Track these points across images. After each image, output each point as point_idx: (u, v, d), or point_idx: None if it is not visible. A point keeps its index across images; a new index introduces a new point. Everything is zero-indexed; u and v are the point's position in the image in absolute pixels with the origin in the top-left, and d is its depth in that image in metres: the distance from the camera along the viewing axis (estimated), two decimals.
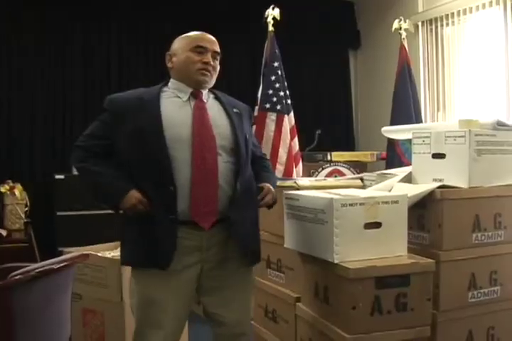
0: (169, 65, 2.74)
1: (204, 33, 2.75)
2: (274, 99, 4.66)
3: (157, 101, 2.60)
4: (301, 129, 5.14)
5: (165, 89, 2.70)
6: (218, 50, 2.73)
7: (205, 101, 2.68)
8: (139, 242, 2.55)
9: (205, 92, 2.71)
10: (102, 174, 2.58)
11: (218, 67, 2.74)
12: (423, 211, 2.96)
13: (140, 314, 2.62)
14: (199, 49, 2.66)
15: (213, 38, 2.75)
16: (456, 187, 2.93)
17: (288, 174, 4.59)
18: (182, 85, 2.67)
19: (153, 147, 2.50)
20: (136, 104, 2.57)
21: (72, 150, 2.68)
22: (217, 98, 2.77)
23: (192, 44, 2.67)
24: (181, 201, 2.52)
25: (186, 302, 2.65)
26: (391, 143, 5.55)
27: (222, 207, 2.58)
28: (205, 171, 2.53)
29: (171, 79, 2.73)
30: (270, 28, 4.88)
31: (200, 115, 2.61)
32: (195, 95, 2.66)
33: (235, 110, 2.74)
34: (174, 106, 2.62)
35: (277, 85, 4.68)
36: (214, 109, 2.69)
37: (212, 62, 2.67)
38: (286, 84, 4.81)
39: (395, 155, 5.52)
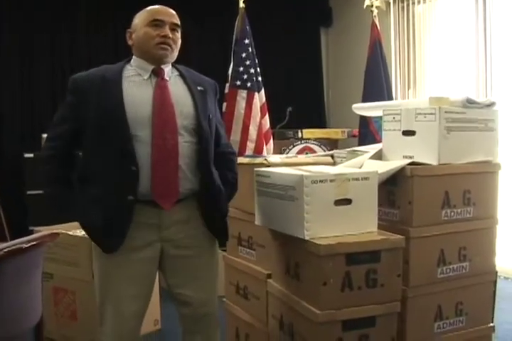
0: (130, 42, 2.66)
1: (161, 6, 2.65)
2: (245, 76, 4.64)
3: (119, 80, 2.54)
4: (272, 107, 5.13)
5: (127, 66, 2.62)
6: (177, 21, 2.63)
7: (167, 78, 2.61)
8: (94, 222, 2.53)
9: (167, 69, 2.64)
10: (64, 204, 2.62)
11: (179, 40, 2.65)
12: (393, 188, 2.97)
13: (100, 290, 2.61)
14: (156, 22, 2.56)
15: (171, 10, 2.65)
16: (426, 164, 2.94)
17: (258, 151, 4.58)
18: (143, 62, 2.60)
19: (115, 127, 2.45)
20: (99, 83, 2.51)
21: (42, 159, 2.64)
22: (181, 75, 2.69)
23: (148, 18, 2.58)
24: (142, 181, 2.49)
25: (146, 280, 2.62)
26: (364, 120, 5.58)
27: (183, 187, 2.56)
28: (166, 151, 2.49)
29: (133, 57, 2.66)
30: (241, 4, 4.85)
31: (161, 94, 2.55)
32: (157, 73, 2.59)
33: (199, 88, 2.67)
34: (135, 84, 2.55)
35: (248, 62, 4.66)
36: (177, 87, 2.63)
37: (171, 35, 2.57)
38: (257, 61, 4.79)
39: (369, 132, 5.55)
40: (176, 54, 2.64)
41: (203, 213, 2.64)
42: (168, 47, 2.57)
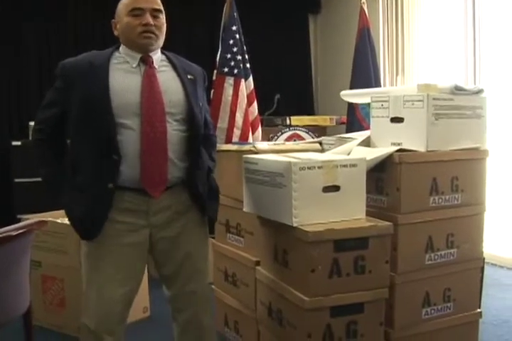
0: (115, 32, 2.62)
1: None
2: (232, 63, 4.62)
3: (106, 67, 2.51)
4: (261, 94, 5.12)
5: (116, 53, 2.59)
6: (158, 6, 2.57)
7: (155, 67, 2.58)
8: (75, 208, 2.53)
9: (156, 57, 2.60)
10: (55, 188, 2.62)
11: (164, 25, 2.60)
12: (381, 174, 2.97)
13: (86, 274, 2.60)
14: (136, 11, 2.51)
15: None
16: (414, 151, 2.94)
17: (244, 138, 4.57)
18: (130, 51, 2.57)
19: (98, 113, 2.43)
20: (86, 69, 2.49)
21: (31, 143, 2.65)
22: (170, 62, 2.66)
23: (128, 8, 2.53)
24: (130, 169, 2.47)
25: (133, 265, 2.60)
26: (351, 107, 5.57)
27: (171, 174, 2.55)
28: (155, 140, 2.47)
29: (121, 45, 2.62)
30: None
31: (149, 82, 2.52)
32: (145, 61, 2.56)
33: (189, 76, 2.64)
34: (123, 72, 2.53)
35: (235, 49, 4.64)
36: (166, 75, 2.60)
37: (152, 22, 2.52)
38: (245, 48, 4.77)
39: (355, 119, 5.55)
40: (162, 40, 2.61)
41: (192, 199, 2.63)
42: (152, 35, 2.53)
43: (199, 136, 2.61)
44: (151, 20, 2.51)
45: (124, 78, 2.51)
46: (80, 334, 2.63)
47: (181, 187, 2.60)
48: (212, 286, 3.61)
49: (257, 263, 3.16)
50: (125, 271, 2.56)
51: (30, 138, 2.73)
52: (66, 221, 3.74)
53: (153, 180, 2.50)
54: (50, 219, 3.76)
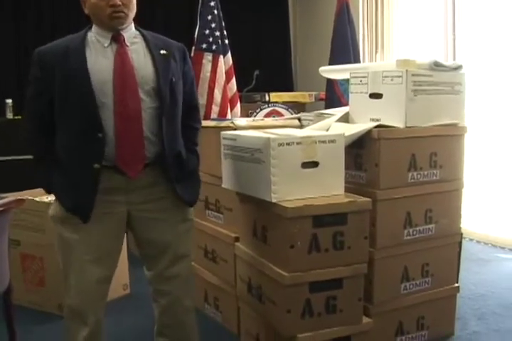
0: (86, 11, 2.58)
1: None
2: (210, 39, 4.57)
3: (82, 48, 2.47)
4: (239, 70, 5.08)
5: (89, 33, 2.56)
6: None
7: (127, 44, 2.53)
8: (66, 200, 2.51)
9: (127, 34, 2.55)
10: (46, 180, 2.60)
11: (133, 0, 2.53)
12: (360, 150, 2.98)
13: (63, 255, 2.58)
14: None
15: None
16: (393, 127, 2.95)
17: (222, 115, 4.55)
18: (101, 30, 2.52)
19: (80, 94, 2.40)
20: (63, 54, 2.45)
21: (28, 141, 2.61)
22: (144, 40, 2.61)
23: None
24: (108, 149, 2.45)
25: (111, 244, 2.60)
26: (330, 83, 5.56)
27: (148, 152, 2.52)
28: (129, 118, 2.45)
29: (93, 24, 2.57)
30: None
31: (121, 60, 2.48)
32: (117, 39, 2.52)
33: (161, 52, 2.59)
34: (97, 51, 2.49)
35: (213, 25, 4.59)
36: (137, 53, 2.55)
37: (119, 2, 2.45)
38: (223, 24, 4.73)
39: (334, 95, 5.54)
40: (132, 15, 2.53)
41: (170, 176, 2.60)
42: (121, 14, 2.47)
43: (170, 113, 2.56)
44: (117, 1, 2.46)
45: (97, 58, 2.47)
46: (64, 315, 2.64)
47: (159, 165, 2.57)
48: (192, 263, 3.61)
49: (237, 239, 3.17)
50: (102, 249, 2.55)
51: (23, 135, 2.67)
52: (44, 199, 3.74)
53: (129, 160, 2.48)
54: (28, 197, 3.73)
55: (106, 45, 2.50)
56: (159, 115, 2.51)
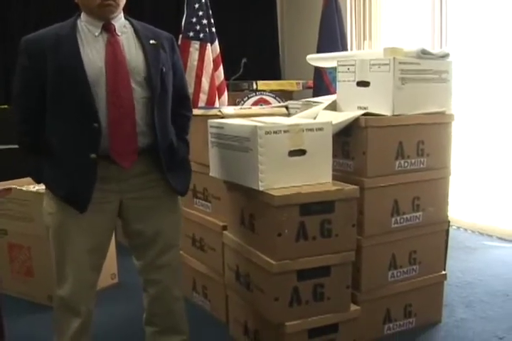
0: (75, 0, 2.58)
1: None
2: (198, 27, 4.55)
3: (73, 36, 2.44)
4: (227, 58, 5.06)
5: (78, 22, 2.52)
6: None
7: (118, 34, 2.52)
8: (58, 182, 2.50)
9: (118, 24, 2.54)
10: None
11: None
12: (348, 138, 2.98)
13: (57, 246, 2.57)
14: None
15: None
16: (381, 115, 2.95)
17: (210, 103, 4.53)
18: (91, 19, 2.50)
19: (74, 83, 2.38)
20: (53, 42, 2.42)
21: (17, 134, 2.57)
22: (133, 28, 2.59)
23: None
24: (102, 139, 2.44)
25: (104, 233, 2.59)
26: (318, 72, 5.55)
27: (141, 142, 2.51)
28: (122, 109, 2.43)
29: (82, 12, 2.54)
30: None
31: (112, 50, 2.47)
32: (107, 29, 2.50)
33: (151, 42, 2.58)
34: (88, 41, 2.47)
35: (200, 13, 4.57)
36: (128, 42, 2.54)
37: None
38: (210, 12, 4.71)
39: (323, 84, 5.53)
40: (122, 5, 2.51)
41: (162, 165, 2.59)
42: (111, 2, 2.44)
43: (160, 102, 2.55)
44: None
45: (89, 47, 2.45)
46: (55, 306, 2.63)
47: (151, 154, 2.56)
48: (180, 252, 3.61)
49: (224, 227, 3.17)
50: (97, 238, 2.56)
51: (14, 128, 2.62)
52: (31, 188, 3.73)
53: (122, 150, 2.47)
54: (14, 186, 3.72)
55: (97, 34, 2.48)
56: (151, 105, 2.50)
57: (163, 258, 2.69)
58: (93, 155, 2.42)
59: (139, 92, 2.48)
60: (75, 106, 2.40)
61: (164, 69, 2.56)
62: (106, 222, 2.58)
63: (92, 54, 2.43)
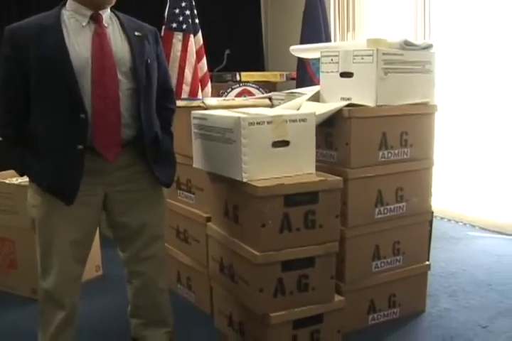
0: None
1: None
2: (180, 18, 4.53)
3: (58, 26, 2.41)
4: (210, 49, 5.05)
5: (63, 11, 2.50)
6: None
7: (105, 25, 2.51)
8: (43, 174, 2.47)
9: (105, 15, 2.52)
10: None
11: None
12: (331, 129, 2.98)
13: (43, 238, 2.56)
14: None
15: None
16: (364, 106, 2.95)
17: (193, 94, 4.52)
18: (80, 7, 2.46)
19: (60, 74, 2.35)
20: (37, 32, 2.39)
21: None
22: (118, 20, 2.58)
23: None
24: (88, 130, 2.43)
25: (89, 225, 2.58)
26: (302, 63, 5.55)
27: (125, 134, 2.50)
28: (107, 99, 2.42)
29: (69, 1, 2.51)
30: None
31: (99, 41, 2.45)
32: (96, 19, 2.48)
33: (136, 33, 2.57)
34: (74, 30, 2.44)
35: (183, 4, 4.55)
36: (115, 34, 2.53)
37: None
38: (193, 3, 4.69)
39: (306, 75, 5.53)
40: None
41: (147, 157, 2.58)
42: None
43: (145, 93, 2.54)
44: None
45: (74, 37, 2.43)
46: (39, 299, 2.62)
47: (136, 146, 2.55)
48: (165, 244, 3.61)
49: (208, 219, 3.16)
50: (83, 231, 2.55)
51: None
52: (14, 181, 3.71)
53: (107, 142, 2.45)
54: None
55: (84, 24, 2.45)
56: (136, 96, 2.49)
57: (149, 250, 2.69)
58: (80, 147, 2.39)
59: (124, 83, 2.47)
60: (61, 97, 2.38)
61: (149, 61, 2.55)
62: (91, 215, 2.56)
63: (78, 44, 2.41)
